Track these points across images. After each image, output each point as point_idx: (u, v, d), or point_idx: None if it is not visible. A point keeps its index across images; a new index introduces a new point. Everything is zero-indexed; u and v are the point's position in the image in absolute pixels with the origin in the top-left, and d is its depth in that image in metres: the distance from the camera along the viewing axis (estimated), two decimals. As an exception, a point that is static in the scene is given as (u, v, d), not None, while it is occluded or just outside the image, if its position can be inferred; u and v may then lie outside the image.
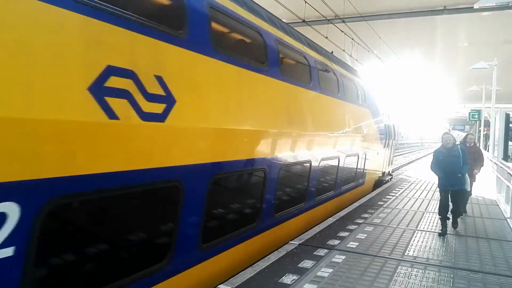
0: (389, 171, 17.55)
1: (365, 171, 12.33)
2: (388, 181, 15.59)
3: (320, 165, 8.08)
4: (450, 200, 7.41)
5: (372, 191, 12.95)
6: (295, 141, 6.81)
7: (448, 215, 7.36)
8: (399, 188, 13.46)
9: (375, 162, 13.74)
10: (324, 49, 9.52)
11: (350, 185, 10.85)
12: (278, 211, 6.50)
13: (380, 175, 15.30)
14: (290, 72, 7.04)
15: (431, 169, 7.59)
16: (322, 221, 7.76)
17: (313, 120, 7.65)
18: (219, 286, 4.50)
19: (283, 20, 7.74)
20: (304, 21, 11.25)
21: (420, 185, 14.41)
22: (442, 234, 7.08)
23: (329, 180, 9.16)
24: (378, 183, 14.71)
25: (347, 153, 9.86)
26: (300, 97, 7.09)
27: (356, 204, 10.05)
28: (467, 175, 7.40)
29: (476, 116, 30.15)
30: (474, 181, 9.12)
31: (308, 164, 7.51)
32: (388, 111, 16.08)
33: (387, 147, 15.67)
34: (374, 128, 12.77)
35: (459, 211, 7.74)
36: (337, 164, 9.28)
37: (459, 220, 7.79)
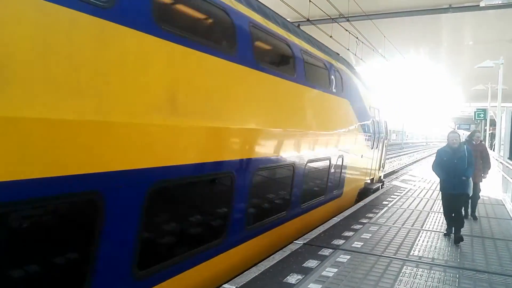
0: (380, 177, 14.77)
1: (342, 179, 9.64)
2: (378, 189, 13.17)
3: (256, 176, 5.62)
4: (453, 203, 6.94)
5: (358, 202, 10.71)
6: (199, 140, 4.42)
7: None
8: (404, 187, 13.41)
9: (359, 167, 11.31)
10: (284, 18, 7.20)
11: (318, 200, 8.21)
12: (161, 260, 3.97)
13: (368, 182, 12.63)
14: (191, 31, 4.42)
15: (433, 169, 7.16)
16: (265, 258, 5.55)
17: (242, 110, 5.28)
18: (223, 285, 4.49)
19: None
20: (308, 20, 11.24)
21: (425, 184, 14.36)
22: (448, 234, 7.02)
23: (275, 198, 6.59)
24: (365, 192, 12.15)
25: (310, 157, 7.32)
26: (213, 72, 4.64)
27: (361, 203, 10.03)
28: (470, 178, 6.94)
29: (482, 115, 30.08)
30: (481, 182, 9.05)
31: (229, 176, 5.02)
32: (378, 104, 13.40)
33: (376, 148, 12.97)
34: (357, 124, 10.28)
35: (462, 219, 7.00)
36: (291, 174, 6.72)
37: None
